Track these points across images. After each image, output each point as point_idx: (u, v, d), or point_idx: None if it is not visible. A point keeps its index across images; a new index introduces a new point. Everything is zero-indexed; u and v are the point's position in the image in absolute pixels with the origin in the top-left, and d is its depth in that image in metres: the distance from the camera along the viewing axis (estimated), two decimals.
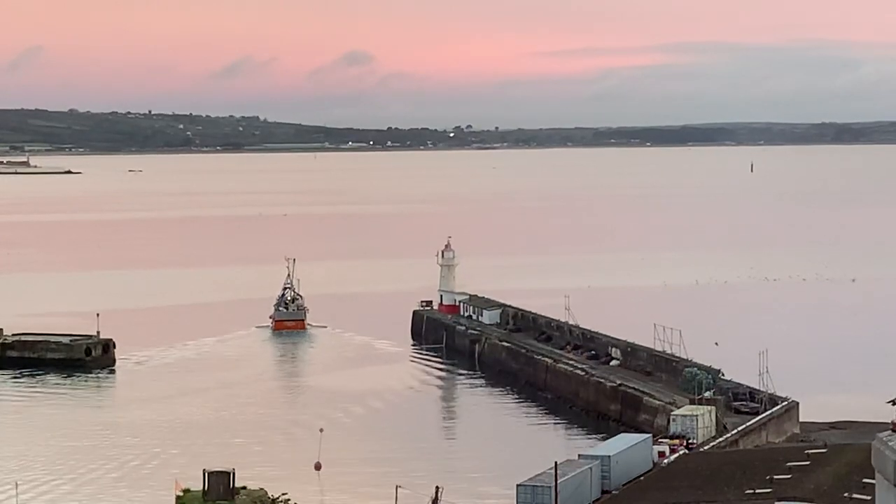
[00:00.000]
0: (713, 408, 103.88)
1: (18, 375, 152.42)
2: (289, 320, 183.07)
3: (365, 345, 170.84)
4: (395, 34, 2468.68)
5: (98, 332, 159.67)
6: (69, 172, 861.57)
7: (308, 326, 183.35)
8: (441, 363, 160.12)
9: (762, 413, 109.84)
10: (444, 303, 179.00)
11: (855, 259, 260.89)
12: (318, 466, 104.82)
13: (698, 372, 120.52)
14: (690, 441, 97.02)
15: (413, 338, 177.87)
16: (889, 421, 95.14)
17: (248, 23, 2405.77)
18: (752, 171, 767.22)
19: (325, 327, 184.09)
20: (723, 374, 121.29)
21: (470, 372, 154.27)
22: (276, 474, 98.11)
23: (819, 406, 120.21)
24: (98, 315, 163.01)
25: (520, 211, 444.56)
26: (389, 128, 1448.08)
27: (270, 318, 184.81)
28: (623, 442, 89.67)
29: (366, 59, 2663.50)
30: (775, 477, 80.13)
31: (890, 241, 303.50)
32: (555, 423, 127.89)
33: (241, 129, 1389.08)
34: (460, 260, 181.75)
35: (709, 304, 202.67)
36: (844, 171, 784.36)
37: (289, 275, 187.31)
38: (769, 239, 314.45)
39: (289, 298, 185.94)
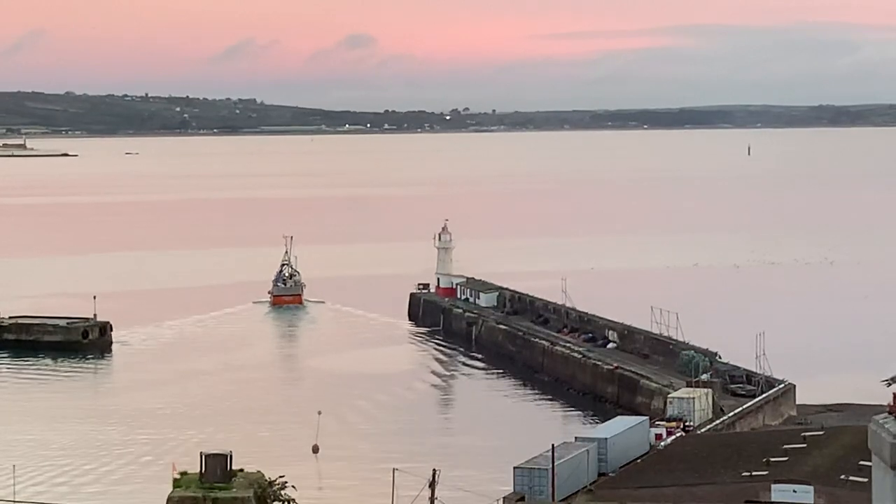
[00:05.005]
0: (710, 390, 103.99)
1: (15, 358, 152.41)
2: (286, 295, 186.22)
3: (362, 328, 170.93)
4: (398, 16, 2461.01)
5: (95, 315, 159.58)
6: (66, 155, 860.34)
7: (305, 302, 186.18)
8: (438, 346, 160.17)
9: (759, 396, 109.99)
10: (441, 286, 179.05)
11: (858, 242, 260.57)
12: (315, 449, 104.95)
13: (695, 355, 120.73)
14: (687, 423, 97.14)
15: (410, 320, 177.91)
16: (886, 403, 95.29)
17: (251, 6, 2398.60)
18: (749, 153, 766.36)
19: (323, 302, 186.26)
20: (719, 357, 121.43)
21: (467, 355, 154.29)
22: (273, 457, 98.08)
23: (816, 388, 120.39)
24: (95, 297, 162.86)
25: (517, 194, 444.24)
26: (386, 110, 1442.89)
27: (269, 293, 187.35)
28: (620, 424, 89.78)
29: (367, 41, 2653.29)
30: (772, 459, 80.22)
31: (892, 224, 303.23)
32: (552, 406, 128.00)
33: (237, 111, 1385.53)
34: (457, 243, 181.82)
35: (707, 287, 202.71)
36: (843, 155, 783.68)
37: (286, 252, 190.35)
38: (770, 222, 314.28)
39: (286, 274, 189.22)
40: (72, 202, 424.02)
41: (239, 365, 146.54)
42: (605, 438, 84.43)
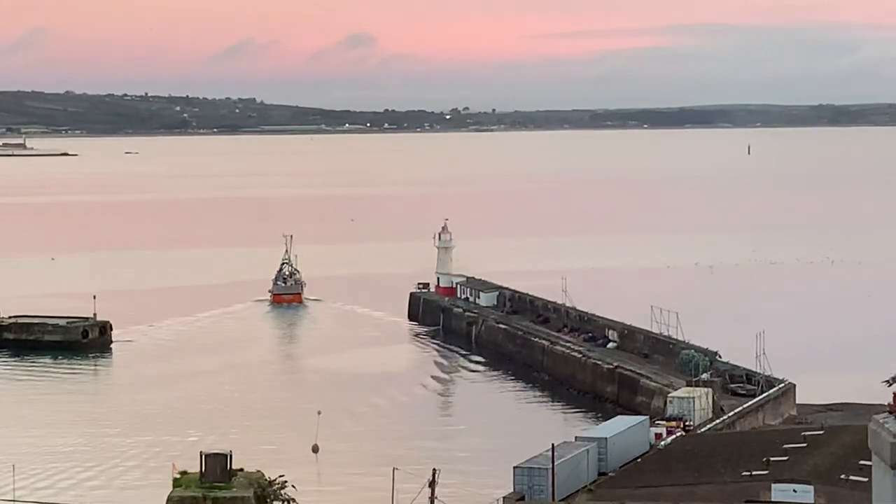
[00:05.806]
0: (710, 390, 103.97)
1: (15, 358, 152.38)
2: (286, 294, 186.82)
3: (362, 327, 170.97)
4: (398, 16, 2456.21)
5: (95, 314, 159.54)
6: (66, 154, 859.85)
7: (305, 300, 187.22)
8: (438, 345, 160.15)
9: (759, 395, 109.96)
10: (441, 285, 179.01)
11: (859, 242, 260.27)
12: (315, 449, 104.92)
13: (695, 354, 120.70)
14: (687, 423, 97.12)
15: (410, 320, 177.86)
16: (886, 403, 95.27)
17: (251, 6, 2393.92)
18: (749, 153, 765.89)
19: (320, 300, 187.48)
20: (719, 356, 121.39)
21: (467, 354, 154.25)
22: (273, 456, 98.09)
23: (816, 388, 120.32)
24: (95, 297, 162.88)
25: (517, 194, 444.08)
26: (386, 110, 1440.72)
27: (269, 292, 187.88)
28: (620, 424, 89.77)
29: (368, 40, 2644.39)
30: (772, 459, 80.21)
31: (892, 224, 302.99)
32: (552, 406, 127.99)
33: (237, 111, 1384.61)
34: (457, 242, 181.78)
35: (707, 287, 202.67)
36: (843, 154, 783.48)
37: (286, 250, 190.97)
38: (770, 222, 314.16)
39: (287, 273, 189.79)
40: (72, 202, 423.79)
41: (239, 364, 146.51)
42: (606, 438, 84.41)
